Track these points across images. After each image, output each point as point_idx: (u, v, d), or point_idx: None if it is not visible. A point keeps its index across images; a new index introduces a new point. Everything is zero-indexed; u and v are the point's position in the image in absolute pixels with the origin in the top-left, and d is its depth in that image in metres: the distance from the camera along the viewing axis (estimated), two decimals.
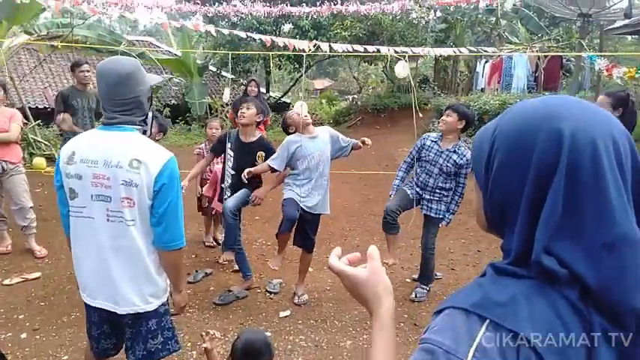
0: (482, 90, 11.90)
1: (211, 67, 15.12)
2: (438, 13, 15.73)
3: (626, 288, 0.63)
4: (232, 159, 3.68)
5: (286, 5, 10.91)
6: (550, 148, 0.66)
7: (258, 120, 3.70)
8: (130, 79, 1.81)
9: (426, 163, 3.66)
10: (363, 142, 3.68)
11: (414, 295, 3.85)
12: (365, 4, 11.67)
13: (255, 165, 3.59)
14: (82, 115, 4.88)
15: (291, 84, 17.58)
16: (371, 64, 17.75)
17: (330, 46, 7.81)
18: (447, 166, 3.57)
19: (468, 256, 4.81)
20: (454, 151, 3.56)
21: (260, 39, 8.11)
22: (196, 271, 4.19)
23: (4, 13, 9.94)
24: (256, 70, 15.08)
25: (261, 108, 3.76)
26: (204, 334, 2.09)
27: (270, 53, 8.97)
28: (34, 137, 8.88)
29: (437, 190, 3.68)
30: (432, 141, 3.66)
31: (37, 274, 4.08)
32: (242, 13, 12.36)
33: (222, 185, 3.83)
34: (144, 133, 1.94)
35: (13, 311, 3.49)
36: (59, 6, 7.41)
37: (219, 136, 3.91)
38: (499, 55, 11.43)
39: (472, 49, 10.62)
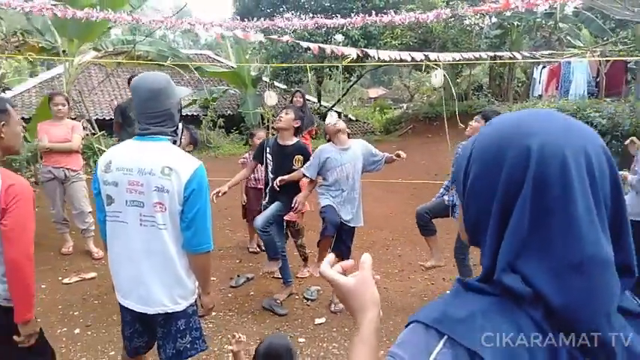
0: (540, 97, 11.43)
1: (265, 79, 15.54)
2: (493, 19, 15.32)
3: (593, 313, 0.61)
4: (271, 163, 3.80)
5: (336, 17, 11.08)
6: (518, 164, 0.65)
7: (295, 125, 3.74)
8: (161, 93, 1.94)
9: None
10: (398, 156, 3.67)
11: None
12: (415, 11, 11.64)
13: (294, 168, 3.69)
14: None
15: (342, 93, 17.67)
16: (423, 72, 17.51)
17: (377, 53, 7.84)
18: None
19: None
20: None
21: (308, 47, 8.27)
22: (238, 276, 4.32)
23: (75, 32, 10.71)
24: (307, 81, 15.31)
25: (299, 114, 3.84)
26: (230, 336, 2.16)
27: (308, 65, 9.09)
28: (99, 146, 9.49)
29: None
30: (461, 147, 3.64)
31: (93, 274, 4.37)
32: (294, 25, 12.69)
33: (266, 190, 3.95)
34: (174, 142, 2.06)
35: (69, 308, 3.77)
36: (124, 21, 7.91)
37: (260, 144, 4.04)
38: (557, 60, 10.96)
39: (526, 54, 10.26)
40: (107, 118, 13.81)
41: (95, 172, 2.04)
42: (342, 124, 3.72)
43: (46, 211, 5.03)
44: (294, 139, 3.82)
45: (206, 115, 13.16)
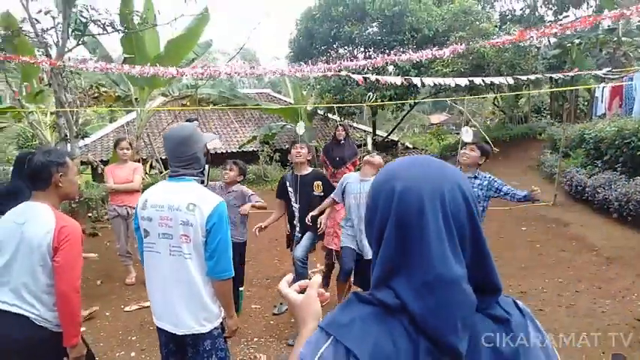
0: (603, 116, 10.90)
1: (320, 112, 16.06)
2: (552, 39, 14.91)
3: (442, 322, 0.76)
4: (293, 194, 4.08)
5: (386, 50, 11.36)
6: (386, 202, 0.84)
7: (309, 158, 4.19)
8: (188, 140, 2.24)
9: None
10: None
11: None
12: (465, 39, 11.65)
13: (314, 194, 4.04)
14: None
15: (396, 123, 17.78)
16: (479, 97, 17.25)
17: (420, 80, 7.98)
18: (475, 191, 3.71)
19: (562, 297, 4.46)
20: (475, 177, 3.78)
21: (351, 78, 8.57)
22: (281, 304, 4.53)
23: (145, 81, 11.76)
24: (360, 112, 15.62)
25: (311, 148, 4.30)
26: (252, 357, 2.36)
27: (366, 104, 9.34)
28: None
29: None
30: None
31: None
32: (347, 66, 13.16)
33: (294, 222, 4.19)
34: (202, 182, 2.35)
35: (128, 333, 4.14)
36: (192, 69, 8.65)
37: (279, 183, 4.36)
38: (620, 77, 10.47)
39: (587, 72, 9.92)
40: None
41: (135, 210, 2.36)
42: (377, 159, 3.87)
43: (114, 245, 5.55)
44: (310, 169, 4.21)
45: (263, 151, 13.76)
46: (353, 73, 12.32)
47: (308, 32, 15.67)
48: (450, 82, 7.98)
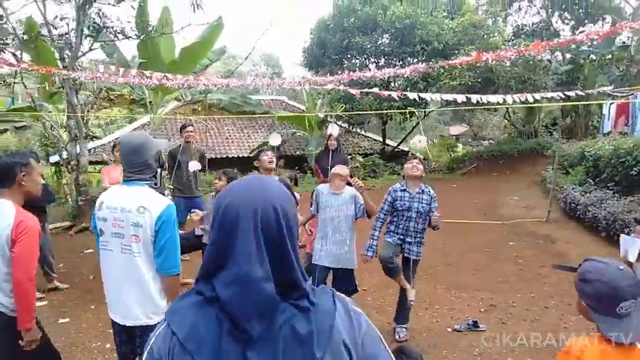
0: (609, 133, 10.83)
1: (329, 120, 16.29)
2: (567, 55, 14.84)
3: (240, 310, 0.96)
4: None
5: (399, 65, 11.56)
6: (215, 215, 1.04)
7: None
8: (141, 148, 2.46)
9: (404, 211, 3.91)
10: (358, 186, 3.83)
11: (397, 337, 4.02)
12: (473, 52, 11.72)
13: None
14: (186, 168, 5.94)
15: (406, 134, 17.88)
16: (488, 112, 17.26)
17: (418, 95, 8.11)
18: (422, 206, 3.88)
19: (530, 312, 4.54)
20: (422, 192, 3.92)
21: (363, 92, 8.78)
22: None
23: (159, 86, 12.21)
24: (368, 122, 15.78)
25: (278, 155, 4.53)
26: None
27: (373, 112, 9.51)
28: (169, 185, 10.57)
29: (418, 234, 3.95)
30: (401, 190, 3.95)
31: None
32: (357, 76, 13.39)
33: None
34: (155, 184, 2.57)
35: (107, 326, 4.30)
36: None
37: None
38: (627, 95, 10.41)
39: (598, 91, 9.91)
40: None
41: (93, 211, 2.60)
42: (343, 170, 4.02)
43: None
44: (276, 177, 4.37)
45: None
46: (359, 85, 12.53)
47: (321, 42, 15.95)
48: (449, 97, 8.11)
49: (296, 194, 4.63)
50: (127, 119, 21.69)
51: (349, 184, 4.00)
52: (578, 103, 11.72)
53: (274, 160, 4.39)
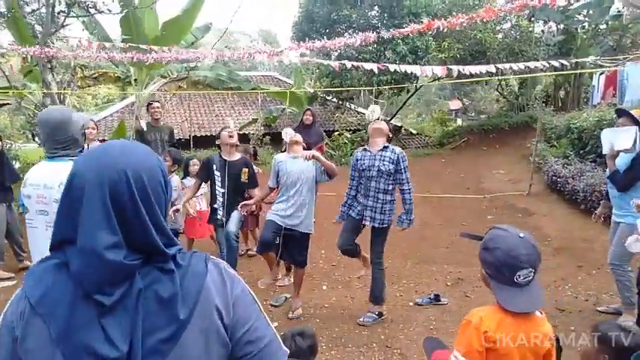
0: (598, 105, 10.67)
1: (320, 95, 16.10)
2: (555, 25, 14.52)
3: (87, 280, 0.91)
4: (219, 178, 4.19)
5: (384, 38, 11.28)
6: (65, 184, 0.99)
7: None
8: (64, 123, 2.38)
9: (364, 170, 3.80)
10: (313, 156, 3.79)
11: (361, 319, 3.86)
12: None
13: (242, 180, 4.17)
14: (156, 146, 5.85)
15: (398, 108, 17.68)
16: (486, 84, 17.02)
17: (419, 69, 7.97)
18: (384, 164, 3.70)
19: None
20: (384, 149, 3.75)
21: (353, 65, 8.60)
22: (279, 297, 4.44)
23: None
24: (358, 97, 15.57)
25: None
26: None
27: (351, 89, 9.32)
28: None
29: (379, 196, 3.74)
30: (362, 151, 3.88)
31: None
32: (344, 45, 13.14)
33: (214, 205, 4.31)
34: None
35: None
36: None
37: (202, 163, 4.46)
38: (615, 65, 10.20)
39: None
40: (179, 137, 15.10)
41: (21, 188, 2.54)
42: (297, 137, 4.06)
43: None
44: (239, 155, 4.32)
45: (254, 134, 13.88)
46: (355, 58, 12.29)
47: (309, 15, 15.62)
48: (428, 71, 7.98)
49: (256, 168, 4.58)
50: (118, 98, 21.52)
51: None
52: (564, 72, 11.53)
53: (235, 134, 4.27)
